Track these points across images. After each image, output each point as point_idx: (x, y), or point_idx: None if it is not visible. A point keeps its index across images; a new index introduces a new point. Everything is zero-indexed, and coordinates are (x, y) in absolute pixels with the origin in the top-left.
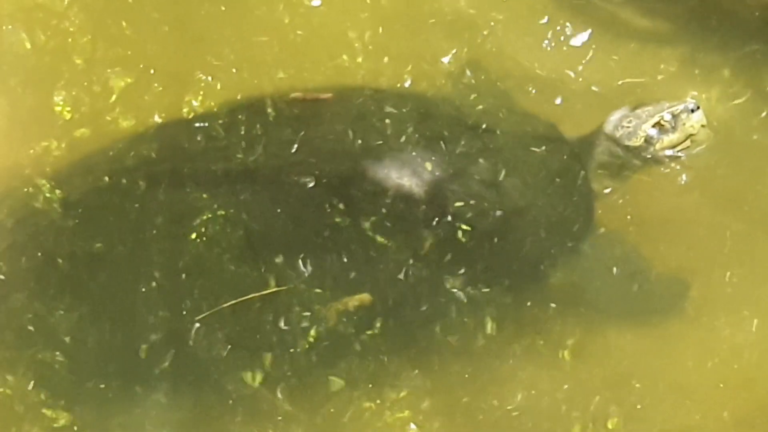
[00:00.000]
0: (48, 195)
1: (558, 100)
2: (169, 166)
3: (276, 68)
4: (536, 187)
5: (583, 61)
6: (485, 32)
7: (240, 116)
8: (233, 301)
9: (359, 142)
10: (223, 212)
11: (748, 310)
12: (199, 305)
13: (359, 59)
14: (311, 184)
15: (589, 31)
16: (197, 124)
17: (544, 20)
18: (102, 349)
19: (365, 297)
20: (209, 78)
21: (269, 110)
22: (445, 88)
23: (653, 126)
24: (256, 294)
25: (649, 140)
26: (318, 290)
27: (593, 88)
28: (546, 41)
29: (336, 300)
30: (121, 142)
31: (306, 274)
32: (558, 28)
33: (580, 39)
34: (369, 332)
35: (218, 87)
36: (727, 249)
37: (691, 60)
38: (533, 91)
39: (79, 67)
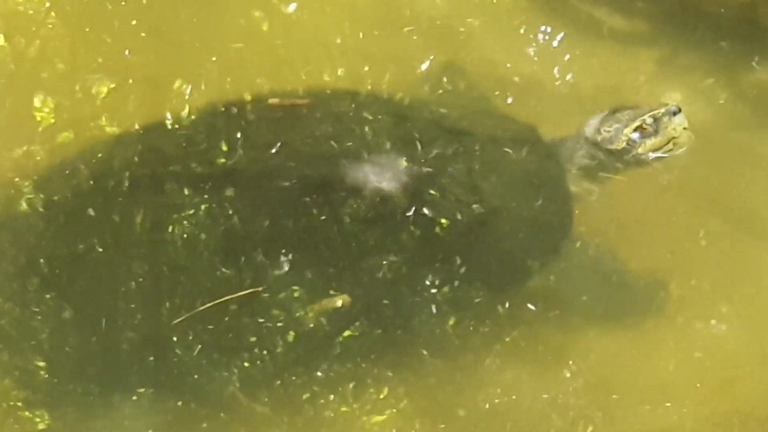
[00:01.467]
0: (30, 198)
1: (536, 103)
2: (150, 170)
3: (255, 73)
4: (515, 190)
5: (562, 64)
6: (463, 36)
7: (219, 120)
8: (209, 304)
9: (338, 145)
10: (203, 216)
11: (725, 311)
12: (180, 309)
13: (338, 63)
14: (291, 188)
15: (567, 33)
16: (177, 129)
17: (522, 23)
18: (83, 351)
19: (345, 298)
20: (189, 83)
21: (248, 114)
22: (423, 91)
23: (635, 130)
24: (231, 296)
25: (631, 144)
26: (298, 293)
27: (572, 90)
28: (524, 44)
29: (316, 302)
30: (102, 147)
31: (286, 277)
32: (536, 30)
33: (557, 41)
34: (348, 333)
35: (198, 91)
36: (704, 250)
37: (669, 60)
38: (511, 94)
39: (59, 72)
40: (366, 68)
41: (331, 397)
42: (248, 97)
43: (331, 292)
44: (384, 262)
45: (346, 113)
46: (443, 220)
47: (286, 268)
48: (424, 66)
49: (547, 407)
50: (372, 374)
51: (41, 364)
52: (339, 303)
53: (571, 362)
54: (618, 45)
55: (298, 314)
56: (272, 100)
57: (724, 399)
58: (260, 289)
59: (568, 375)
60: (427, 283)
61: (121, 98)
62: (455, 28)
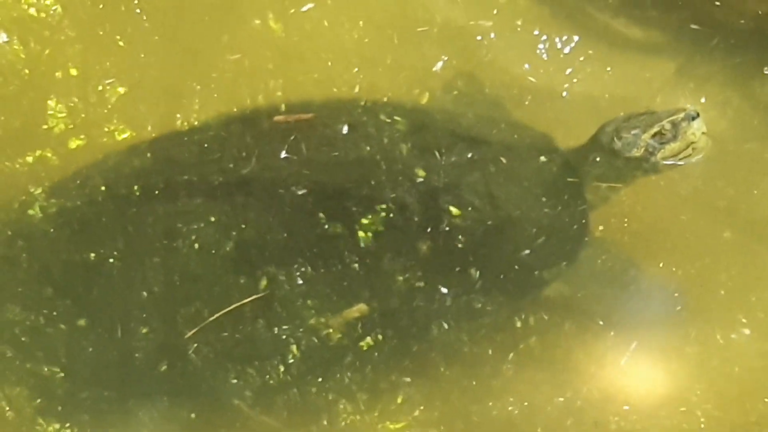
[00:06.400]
0: (43, 205)
1: (551, 111)
2: (163, 177)
3: (269, 79)
4: (531, 198)
5: (576, 71)
6: (477, 43)
7: (233, 127)
8: (218, 314)
9: (352, 152)
10: (217, 224)
11: (742, 321)
12: (193, 317)
13: (352, 68)
14: (305, 196)
15: (583, 41)
16: (191, 136)
17: (537, 30)
18: (97, 359)
19: (363, 307)
20: (202, 88)
21: (263, 121)
22: (438, 97)
23: (653, 136)
24: (239, 303)
25: (650, 150)
26: (312, 302)
27: (586, 99)
28: (539, 51)
29: (333, 311)
30: (115, 153)
31: (300, 285)
32: (551, 38)
33: (572, 49)
34: (364, 342)
35: (212, 98)
36: (720, 259)
37: (684, 70)
38: (526, 101)
39: (73, 77)
40: (380, 73)
41: (347, 405)
42: (263, 103)
43: (345, 303)
44: (399, 270)
45: (361, 119)
46: (459, 228)
47: (300, 277)
48: (439, 71)
49: (563, 415)
50: (387, 382)
51: (56, 371)
52: (357, 313)
53: (586, 370)
54: (633, 55)
55: (312, 323)
56: (277, 117)
57: (740, 407)
58: (265, 293)
59: (584, 383)
60: (443, 291)
61: (135, 103)
62: (469, 35)
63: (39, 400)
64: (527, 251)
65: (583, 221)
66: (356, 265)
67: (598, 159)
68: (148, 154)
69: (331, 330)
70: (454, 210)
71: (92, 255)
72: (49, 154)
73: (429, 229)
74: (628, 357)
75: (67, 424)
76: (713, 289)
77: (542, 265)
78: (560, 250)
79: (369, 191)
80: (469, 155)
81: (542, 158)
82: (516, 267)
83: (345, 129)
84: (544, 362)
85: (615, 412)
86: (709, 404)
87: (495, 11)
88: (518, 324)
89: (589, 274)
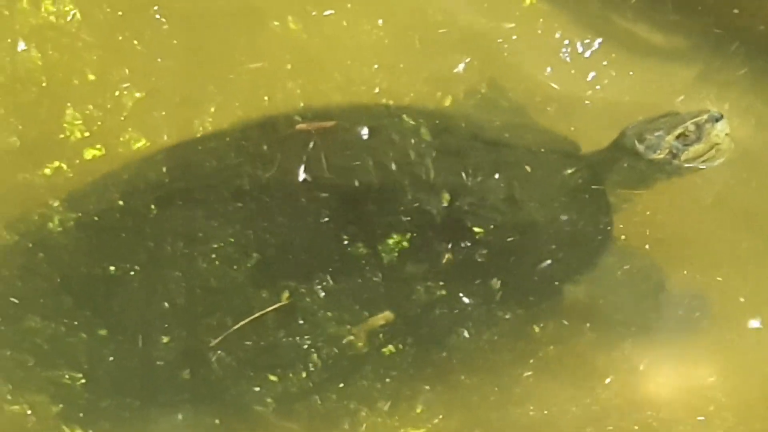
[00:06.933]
0: (62, 217)
1: (573, 114)
2: (182, 185)
3: (289, 83)
4: (554, 203)
5: (599, 76)
6: (498, 46)
7: (253, 134)
8: (242, 323)
9: (374, 158)
10: (237, 231)
11: (764, 327)
12: (214, 326)
13: (372, 70)
14: (326, 202)
15: (605, 45)
16: (210, 143)
17: (558, 34)
18: (119, 367)
19: (388, 315)
20: (221, 93)
21: (282, 128)
22: (460, 102)
23: (677, 137)
24: (262, 312)
25: (673, 152)
26: (334, 309)
27: (608, 104)
28: (561, 55)
29: (355, 321)
30: (133, 162)
31: (322, 293)
32: (572, 42)
33: (595, 53)
34: (385, 350)
35: (231, 104)
36: (743, 265)
37: (706, 75)
38: (548, 107)
39: (91, 84)
40: (402, 77)
41: (368, 411)
42: (283, 108)
43: (367, 311)
44: (422, 277)
45: (383, 124)
46: (481, 233)
47: (323, 285)
48: (461, 75)
49: (583, 422)
50: (408, 389)
51: (78, 379)
52: (383, 321)
53: (606, 377)
54: (655, 59)
55: (333, 332)
56: (299, 126)
57: (761, 414)
58: (288, 302)
59: (604, 390)
60: (465, 297)
61: (151, 108)
62: (491, 39)
63: (61, 407)
64: (549, 256)
65: (608, 228)
66: (378, 272)
67: (620, 163)
68: (166, 163)
69: (353, 338)
70: (476, 215)
71: (112, 268)
72: (66, 164)
73: (451, 235)
74: (648, 364)
75: (89, 431)
76: (734, 296)
77: (565, 270)
78: (582, 255)
79: (391, 197)
80: (492, 159)
81: (567, 164)
82: (538, 272)
83: (366, 132)
84: (563, 369)
85: (635, 420)
86: (730, 412)
87: (517, 14)
88: (538, 331)
89: (610, 282)
